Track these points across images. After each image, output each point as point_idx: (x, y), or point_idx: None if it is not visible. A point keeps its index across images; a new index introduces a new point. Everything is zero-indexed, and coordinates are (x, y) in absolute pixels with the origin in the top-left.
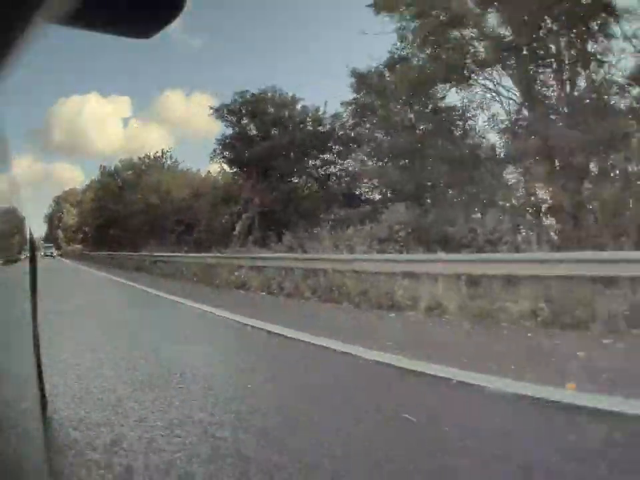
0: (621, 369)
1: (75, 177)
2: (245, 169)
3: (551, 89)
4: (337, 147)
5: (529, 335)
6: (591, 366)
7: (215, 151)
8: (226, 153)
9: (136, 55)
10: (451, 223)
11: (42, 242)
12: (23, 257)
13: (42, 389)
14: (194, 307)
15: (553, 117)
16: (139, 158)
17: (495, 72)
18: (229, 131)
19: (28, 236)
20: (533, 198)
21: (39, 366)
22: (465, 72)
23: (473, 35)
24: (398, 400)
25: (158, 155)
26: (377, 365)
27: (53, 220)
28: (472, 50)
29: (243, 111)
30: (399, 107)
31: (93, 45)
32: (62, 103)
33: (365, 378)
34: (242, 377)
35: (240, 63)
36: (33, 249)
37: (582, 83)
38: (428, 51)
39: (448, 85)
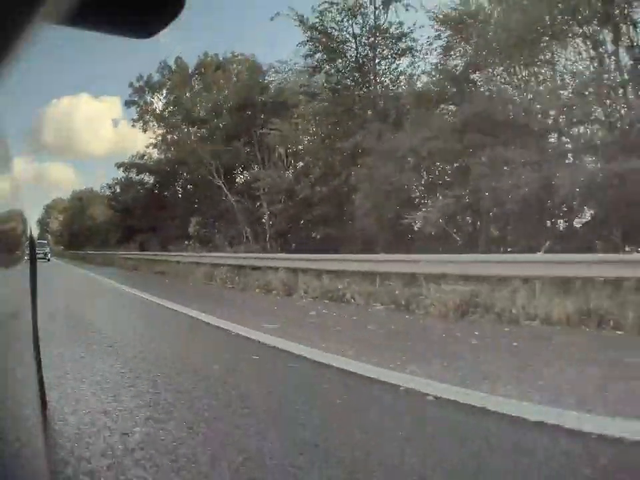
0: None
1: (67, 177)
2: None
3: None
4: None
5: None
6: None
7: None
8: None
9: (127, 55)
10: None
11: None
12: (25, 257)
13: (42, 389)
14: (114, 284)
15: None
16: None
17: None
18: None
19: (29, 237)
20: None
21: (38, 366)
22: None
23: None
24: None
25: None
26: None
27: (43, 225)
28: None
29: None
30: None
31: (86, 45)
32: (54, 104)
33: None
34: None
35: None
36: (33, 249)
37: None
38: None
39: None
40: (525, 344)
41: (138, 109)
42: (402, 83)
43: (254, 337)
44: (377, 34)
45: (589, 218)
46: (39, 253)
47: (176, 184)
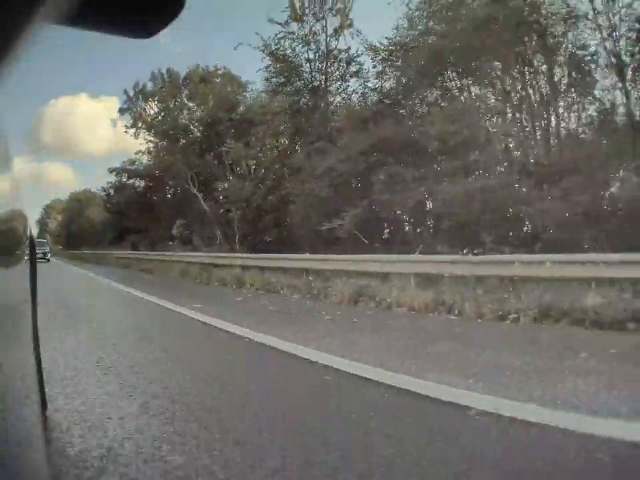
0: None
1: (66, 177)
2: None
3: None
4: None
5: None
6: None
7: None
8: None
9: (127, 55)
10: None
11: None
12: (25, 257)
13: (42, 389)
14: (102, 279)
15: None
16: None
17: None
18: None
19: (29, 236)
20: None
21: (38, 366)
22: None
23: None
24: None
25: None
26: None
27: (42, 225)
28: None
29: None
30: None
31: (86, 45)
32: (52, 104)
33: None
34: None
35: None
36: (33, 249)
37: None
38: None
39: None
40: (386, 323)
41: (132, 115)
42: (351, 104)
43: (179, 311)
44: (328, 59)
45: (454, 224)
46: (38, 253)
47: (163, 189)
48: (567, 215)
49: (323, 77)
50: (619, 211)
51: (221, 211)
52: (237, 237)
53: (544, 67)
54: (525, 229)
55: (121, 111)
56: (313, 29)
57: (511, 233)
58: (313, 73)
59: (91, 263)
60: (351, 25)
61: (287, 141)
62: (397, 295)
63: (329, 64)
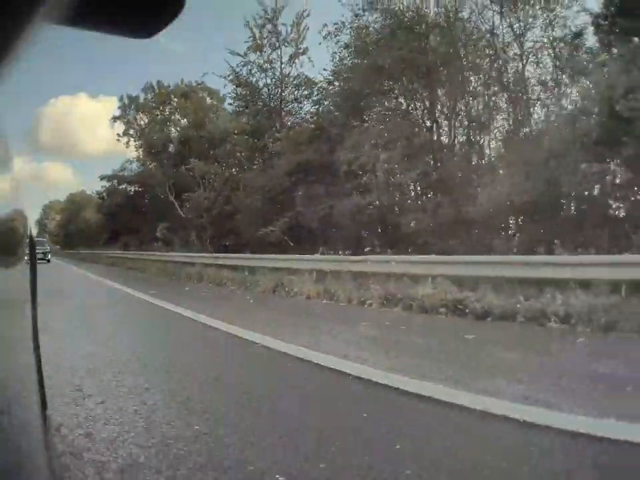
0: None
1: (65, 177)
2: None
3: None
4: None
5: None
6: None
7: None
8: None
9: (126, 55)
10: None
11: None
12: (25, 257)
13: (42, 389)
14: (89, 274)
15: None
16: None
17: None
18: None
19: (29, 236)
20: None
21: (38, 366)
22: None
23: None
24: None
25: None
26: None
27: (41, 225)
28: None
29: None
30: None
31: (85, 45)
32: (52, 103)
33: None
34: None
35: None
36: (33, 249)
37: None
38: None
39: None
40: (283, 306)
41: (124, 124)
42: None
43: (138, 296)
44: (283, 84)
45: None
46: (38, 254)
47: (150, 194)
48: (430, 224)
49: (279, 100)
50: (475, 222)
51: (196, 216)
52: (208, 239)
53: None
54: (403, 234)
55: (114, 119)
56: (270, 57)
57: (391, 238)
58: (271, 96)
59: (84, 261)
60: (304, 52)
61: (243, 159)
62: (300, 286)
63: (283, 88)
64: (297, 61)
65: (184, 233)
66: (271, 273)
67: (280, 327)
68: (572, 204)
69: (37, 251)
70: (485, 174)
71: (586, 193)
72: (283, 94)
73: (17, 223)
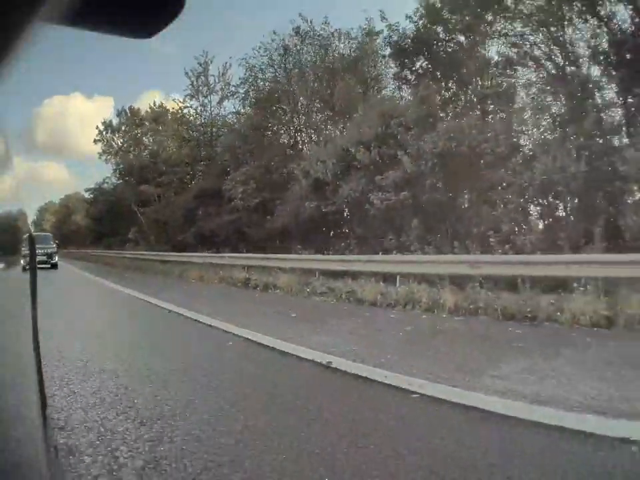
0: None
1: (61, 177)
2: None
3: None
4: None
5: None
6: None
7: None
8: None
9: (125, 55)
10: None
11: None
12: (26, 257)
13: (42, 389)
14: (72, 267)
15: None
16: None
17: None
18: None
19: (29, 236)
20: None
21: (38, 366)
22: None
23: None
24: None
25: None
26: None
27: (37, 225)
28: None
29: None
30: None
31: (84, 45)
32: (47, 103)
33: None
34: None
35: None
36: (33, 248)
37: None
38: None
39: None
40: (179, 285)
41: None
42: None
43: (105, 284)
44: (214, 122)
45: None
46: (41, 255)
47: (123, 204)
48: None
49: (209, 136)
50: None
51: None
52: (153, 241)
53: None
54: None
55: (95, 141)
56: (204, 101)
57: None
58: (204, 134)
59: (69, 257)
60: (227, 98)
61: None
62: (193, 273)
63: (212, 128)
64: (223, 104)
65: (146, 235)
66: (179, 265)
67: (170, 293)
68: None
69: (39, 251)
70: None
71: None
72: (213, 131)
73: (17, 223)
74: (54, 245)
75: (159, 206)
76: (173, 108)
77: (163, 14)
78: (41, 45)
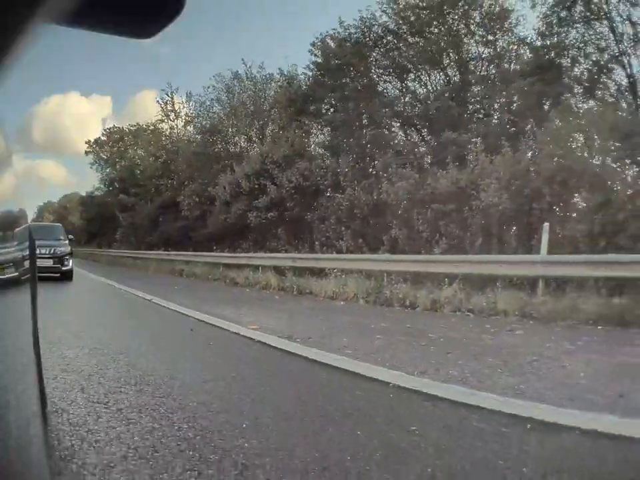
0: None
1: (58, 175)
2: None
3: None
4: None
5: None
6: None
7: None
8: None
9: (123, 55)
10: None
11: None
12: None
13: (42, 389)
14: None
15: None
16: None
17: None
18: None
19: (29, 234)
20: None
21: (39, 366)
22: None
23: None
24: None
25: None
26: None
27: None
28: None
29: None
30: None
31: (83, 44)
32: (44, 102)
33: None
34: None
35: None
36: (33, 249)
37: None
38: None
39: None
40: (141, 275)
41: (94, 156)
42: None
43: (92, 277)
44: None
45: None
46: (45, 256)
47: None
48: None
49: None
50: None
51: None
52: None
53: None
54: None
55: (86, 152)
56: (173, 124)
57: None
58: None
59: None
60: (191, 122)
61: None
62: (152, 267)
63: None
64: (188, 128)
65: (127, 237)
66: (143, 260)
67: (130, 281)
68: None
69: (42, 251)
70: None
71: None
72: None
73: (18, 221)
74: (66, 242)
75: (134, 213)
76: (147, 125)
77: (163, 14)
78: (39, 45)
